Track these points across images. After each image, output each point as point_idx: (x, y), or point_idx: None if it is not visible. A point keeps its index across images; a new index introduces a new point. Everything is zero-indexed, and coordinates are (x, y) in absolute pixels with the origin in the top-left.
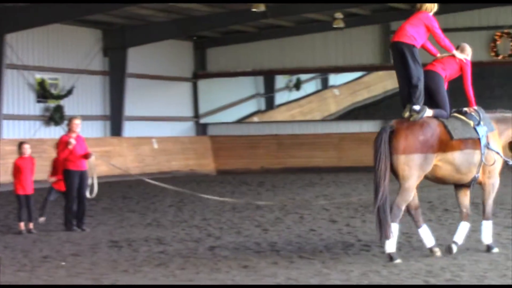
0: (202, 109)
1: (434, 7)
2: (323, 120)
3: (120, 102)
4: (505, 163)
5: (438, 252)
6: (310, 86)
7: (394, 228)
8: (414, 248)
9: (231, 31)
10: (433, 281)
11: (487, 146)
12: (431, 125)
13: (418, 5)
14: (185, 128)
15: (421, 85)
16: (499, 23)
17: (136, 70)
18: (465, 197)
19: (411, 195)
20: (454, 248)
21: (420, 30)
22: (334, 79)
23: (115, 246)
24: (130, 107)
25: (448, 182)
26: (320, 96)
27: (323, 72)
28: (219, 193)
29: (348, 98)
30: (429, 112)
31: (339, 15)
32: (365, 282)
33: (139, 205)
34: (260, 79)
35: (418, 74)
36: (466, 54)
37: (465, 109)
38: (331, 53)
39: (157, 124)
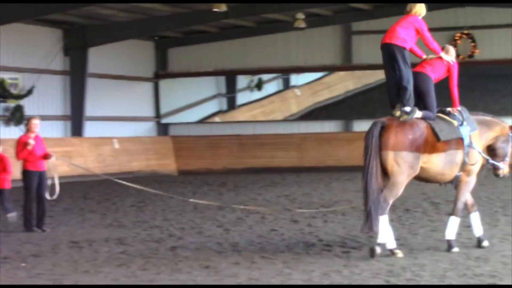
0: (163, 109)
1: (423, 11)
2: (285, 120)
3: (80, 102)
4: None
5: (399, 253)
6: (272, 86)
7: (384, 220)
8: None
9: (192, 31)
10: (394, 281)
11: (470, 145)
12: (419, 126)
13: (408, 8)
14: (147, 128)
15: (410, 87)
16: (459, 24)
17: (97, 70)
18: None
19: (399, 190)
20: (484, 242)
21: (410, 32)
22: (296, 79)
23: (75, 246)
24: (91, 107)
25: (431, 182)
26: (281, 96)
27: (285, 72)
28: (180, 193)
29: (310, 98)
30: (418, 113)
31: (300, 15)
32: (326, 282)
33: (100, 206)
34: (222, 79)
35: (408, 76)
36: (451, 56)
37: (449, 109)
38: (293, 53)
39: (118, 124)
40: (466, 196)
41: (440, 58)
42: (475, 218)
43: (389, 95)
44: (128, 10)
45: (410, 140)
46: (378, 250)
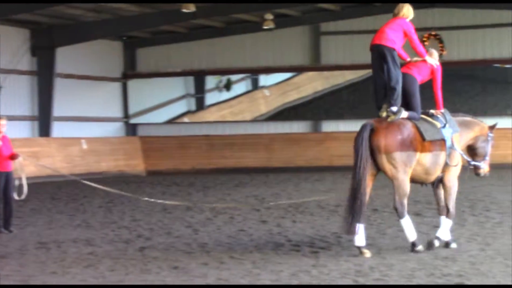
0: (132, 110)
1: (411, 13)
2: (254, 120)
3: (48, 102)
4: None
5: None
6: (241, 86)
7: (407, 221)
8: (343, 247)
9: (161, 31)
10: (362, 281)
11: (452, 147)
12: (406, 126)
13: (396, 10)
14: (115, 129)
15: (399, 88)
16: (427, 25)
17: (65, 70)
18: (441, 191)
19: (406, 189)
20: (451, 244)
21: (399, 34)
22: (265, 79)
23: (43, 247)
24: (58, 108)
25: (415, 182)
26: (250, 97)
27: (253, 72)
28: (149, 193)
29: (278, 98)
30: (404, 113)
31: (269, 16)
32: (295, 282)
33: (68, 206)
34: (190, 80)
35: (397, 77)
36: (435, 59)
37: (432, 111)
38: (261, 53)
39: (86, 124)
40: (454, 197)
41: (424, 61)
42: (443, 223)
43: (376, 96)
44: (96, 10)
45: (400, 140)
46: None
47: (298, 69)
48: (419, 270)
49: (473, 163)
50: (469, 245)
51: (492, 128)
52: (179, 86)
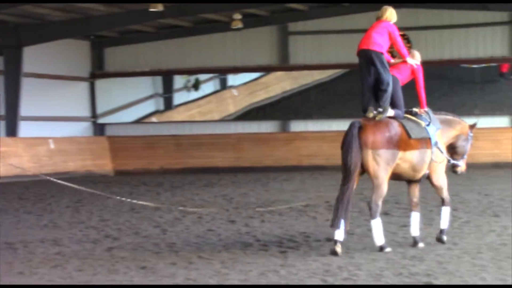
0: (99, 109)
1: (394, 16)
2: (222, 120)
3: (15, 102)
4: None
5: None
6: (209, 86)
7: (377, 223)
8: (311, 247)
9: (129, 30)
10: (331, 280)
11: (436, 144)
12: (393, 124)
13: (379, 14)
14: (82, 128)
15: (389, 90)
16: None
17: (32, 70)
18: (415, 188)
19: (385, 189)
20: (420, 244)
21: (385, 38)
22: (233, 79)
23: (10, 247)
24: (26, 107)
25: (402, 179)
26: (218, 97)
27: (222, 72)
28: (117, 193)
29: (247, 98)
30: (390, 111)
31: (237, 15)
32: (263, 281)
33: (35, 206)
34: (159, 79)
35: (387, 79)
36: (417, 60)
37: (416, 110)
38: (230, 53)
39: (54, 124)
40: (446, 191)
41: (405, 62)
42: (415, 218)
43: (363, 98)
44: (63, 9)
45: (387, 138)
46: (387, 249)
47: (266, 69)
48: (387, 270)
49: (452, 162)
50: (437, 244)
51: (472, 127)
52: (147, 85)
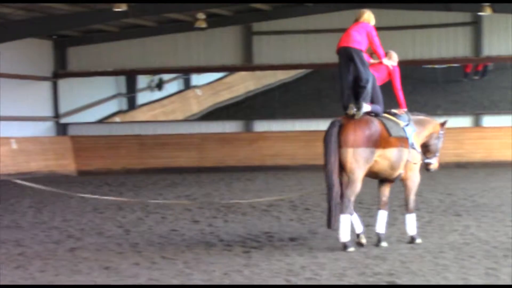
0: (62, 109)
1: (372, 19)
2: (186, 120)
3: None
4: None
5: (363, 239)
6: (173, 86)
7: (346, 219)
8: (275, 247)
9: (92, 30)
10: (294, 280)
11: (412, 145)
12: (374, 122)
13: (357, 17)
14: (45, 128)
15: (369, 86)
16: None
17: None
18: (387, 188)
19: (359, 186)
20: (383, 242)
21: (363, 37)
22: (197, 79)
23: None
24: None
25: (379, 177)
26: (182, 96)
27: (185, 72)
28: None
29: (210, 98)
30: (367, 107)
31: (201, 15)
32: (227, 281)
33: None
34: (122, 79)
35: (367, 76)
36: (393, 61)
37: (395, 111)
38: (193, 53)
39: (16, 124)
40: (414, 193)
41: (381, 63)
42: (382, 216)
43: (342, 96)
44: (26, 8)
45: (367, 136)
46: (350, 248)
47: (230, 69)
48: (350, 269)
49: (426, 161)
50: (400, 243)
51: (442, 125)
52: (111, 85)
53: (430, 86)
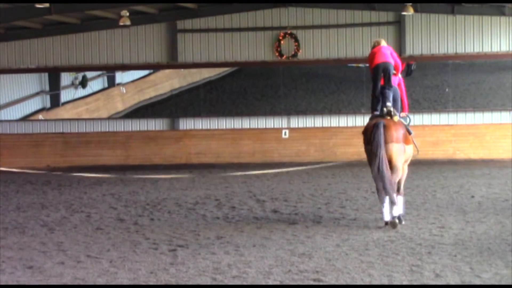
0: None
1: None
2: (110, 118)
3: None
4: None
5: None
6: (97, 83)
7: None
8: (201, 245)
9: (14, 26)
10: (220, 278)
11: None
12: (402, 124)
13: (378, 41)
14: None
15: (397, 94)
16: (282, 24)
17: None
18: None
19: (400, 173)
20: (402, 221)
21: (390, 56)
22: (121, 77)
23: None
24: None
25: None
26: (106, 94)
27: (110, 69)
28: (2, 192)
29: (135, 96)
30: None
31: (125, 12)
32: (153, 280)
33: None
34: (45, 76)
35: (395, 86)
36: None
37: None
38: (118, 50)
39: None
40: (404, 179)
41: (396, 74)
42: (400, 200)
43: (376, 101)
44: None
45: (402, 134)
46: (397, 221)
47: (155, 67)
48: (277, 267)
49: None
50: (325, 241)
51: None
52: (34, 82)
53: (354, 85)
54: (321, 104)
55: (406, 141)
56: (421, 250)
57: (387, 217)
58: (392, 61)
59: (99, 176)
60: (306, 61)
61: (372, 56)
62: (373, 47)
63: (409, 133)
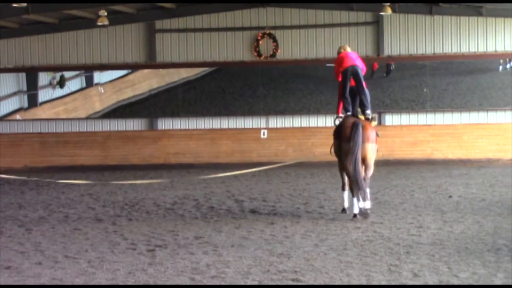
0: None
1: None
2: (88, 118)
3: None
4: None
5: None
6: (75, 83)
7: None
8: (180, 245)
9: None
10: (198, 278)
11: None
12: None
13: (344, 47)
14: None
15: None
16: (260, 24)
17: None
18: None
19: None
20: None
21: (359, 60)
22: (99, 76)
23: None
24: None
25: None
26: (84, 94)
27: (88, 69)
28: None
29: (113, 96)
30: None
31: (103, 12)
32: (131, 281)
33: None
34: (23, 76)
35: (366, 89)
36: None
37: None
38: (96, 50)
39: None
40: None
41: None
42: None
43: (346, 102)
44: None
45: (375, 134)
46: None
47: (133, 67)
48: (255, 267)
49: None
50: (304, 241)
51: None
52: (11, 82)
53: (333, 85)
54: (299, 104)
55: (376, 141)
56: (399, 250)
57: (356, 210)
58: (360, 65)
59: (78, 182)
60: (285, 61)
61: (341, 59)
62: (339, 52)
63: (377, 134)
